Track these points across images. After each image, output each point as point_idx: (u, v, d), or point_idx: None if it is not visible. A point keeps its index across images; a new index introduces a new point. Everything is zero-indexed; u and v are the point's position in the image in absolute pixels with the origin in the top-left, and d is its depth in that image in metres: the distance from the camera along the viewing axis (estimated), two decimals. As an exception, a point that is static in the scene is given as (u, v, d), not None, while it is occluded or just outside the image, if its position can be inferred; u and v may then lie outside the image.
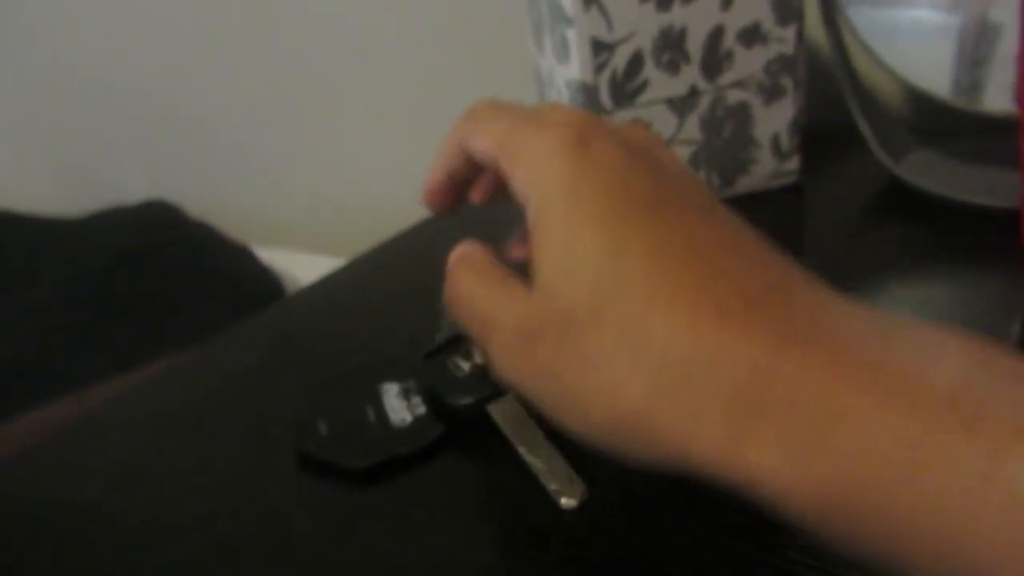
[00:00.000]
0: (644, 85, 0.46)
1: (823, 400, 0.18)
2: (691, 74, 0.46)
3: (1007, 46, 0.39)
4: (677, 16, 0.45)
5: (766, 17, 0.46)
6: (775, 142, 0.49)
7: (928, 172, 0.47)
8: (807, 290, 0.22)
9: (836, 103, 0.49)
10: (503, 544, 0.28)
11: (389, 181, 0.97)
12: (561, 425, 0.23)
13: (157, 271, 0.88)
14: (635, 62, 0.45)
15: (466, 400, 0.31)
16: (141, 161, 1.25)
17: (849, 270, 0.41)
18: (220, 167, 1.15)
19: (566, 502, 0.28)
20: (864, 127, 0.48)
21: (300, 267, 0.90)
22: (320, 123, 1.01)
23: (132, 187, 1.25)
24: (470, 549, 0.27)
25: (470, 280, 0.26)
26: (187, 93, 1.11)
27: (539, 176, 0.24)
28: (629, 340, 0.21)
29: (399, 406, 0.32)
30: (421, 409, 0.32)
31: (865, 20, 0.48)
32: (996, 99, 0.45)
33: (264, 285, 0.89)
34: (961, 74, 0.46)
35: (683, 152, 0.48)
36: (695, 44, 0.46)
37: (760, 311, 0.21)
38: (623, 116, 0.47)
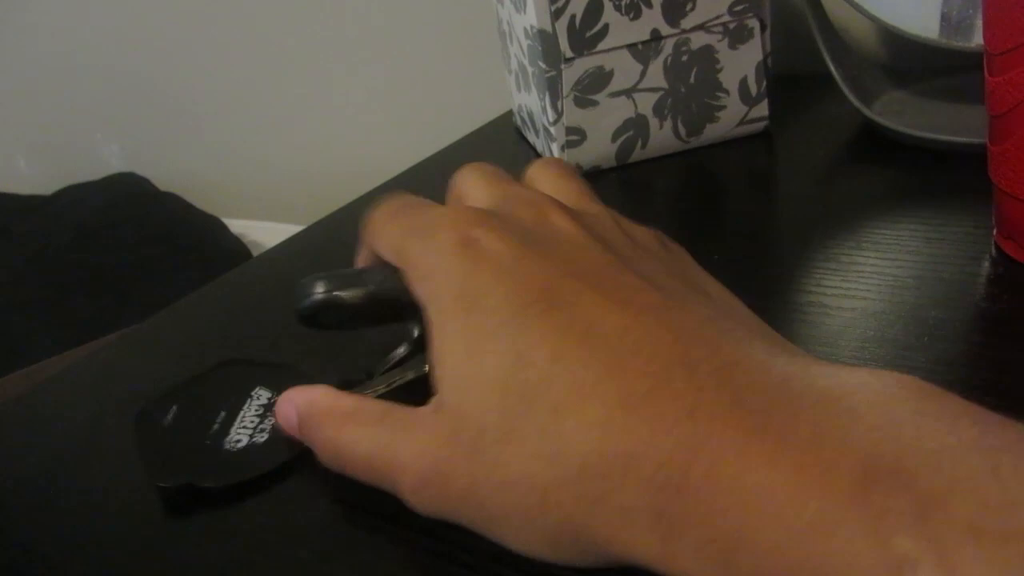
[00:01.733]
0: (604, 31, 0.44)
1: (737, 491, 0.18)
2: (653, 17, 0.45)
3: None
4: (636, -44, 0.43)
5: (729, -45, 0.44)
6: (743, 87, 0.47)
7: (900, 113, 0.46)
8: (725, 350, 0.20)
9: (805, 45, 0.48)
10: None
11: (355, 152, 0.96)
12: (501, 543, 0.22)
13: (127, 243, 0.87)
14: (594, 7, 0.44)
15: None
16: (117, 138, 1.24)
17: (822, 216, 0.40)
18: (192, 142, 1.13)
19: None
20: (834, 69, 0.46)
21: (271, 237, 0.89)
22: (289, 98, 1.00)
23: (109, 165, 1.23)
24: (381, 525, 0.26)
25: (348, 431, 0.24)
26: (161, 71, 1.10)
27: (431, 286, 0.24)
28: (546, 450, 0.20)
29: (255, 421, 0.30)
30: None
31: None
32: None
33: (236, 256, 0.87)
34: (933, 6, 0.45)
35: (647, 100, 0.47)
36: (656, -14, 0.44)
37: (666, 389, 0.20)
38: (584, 64, 0.45)
